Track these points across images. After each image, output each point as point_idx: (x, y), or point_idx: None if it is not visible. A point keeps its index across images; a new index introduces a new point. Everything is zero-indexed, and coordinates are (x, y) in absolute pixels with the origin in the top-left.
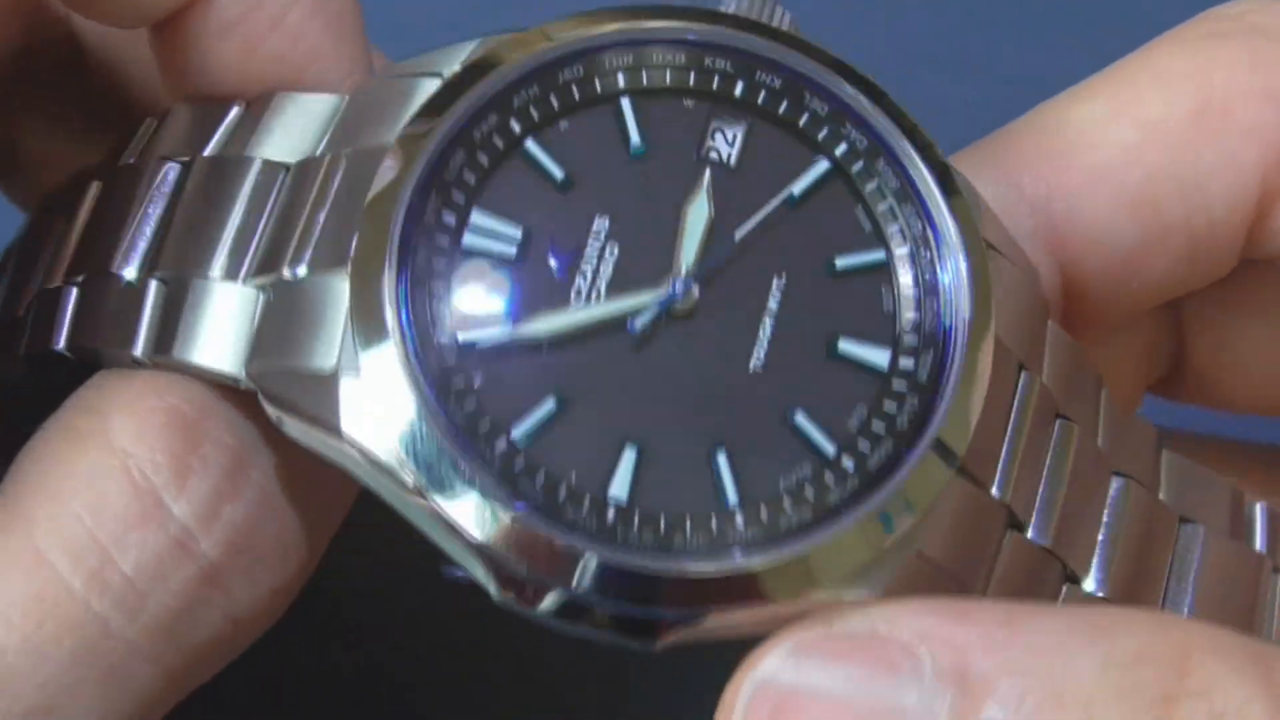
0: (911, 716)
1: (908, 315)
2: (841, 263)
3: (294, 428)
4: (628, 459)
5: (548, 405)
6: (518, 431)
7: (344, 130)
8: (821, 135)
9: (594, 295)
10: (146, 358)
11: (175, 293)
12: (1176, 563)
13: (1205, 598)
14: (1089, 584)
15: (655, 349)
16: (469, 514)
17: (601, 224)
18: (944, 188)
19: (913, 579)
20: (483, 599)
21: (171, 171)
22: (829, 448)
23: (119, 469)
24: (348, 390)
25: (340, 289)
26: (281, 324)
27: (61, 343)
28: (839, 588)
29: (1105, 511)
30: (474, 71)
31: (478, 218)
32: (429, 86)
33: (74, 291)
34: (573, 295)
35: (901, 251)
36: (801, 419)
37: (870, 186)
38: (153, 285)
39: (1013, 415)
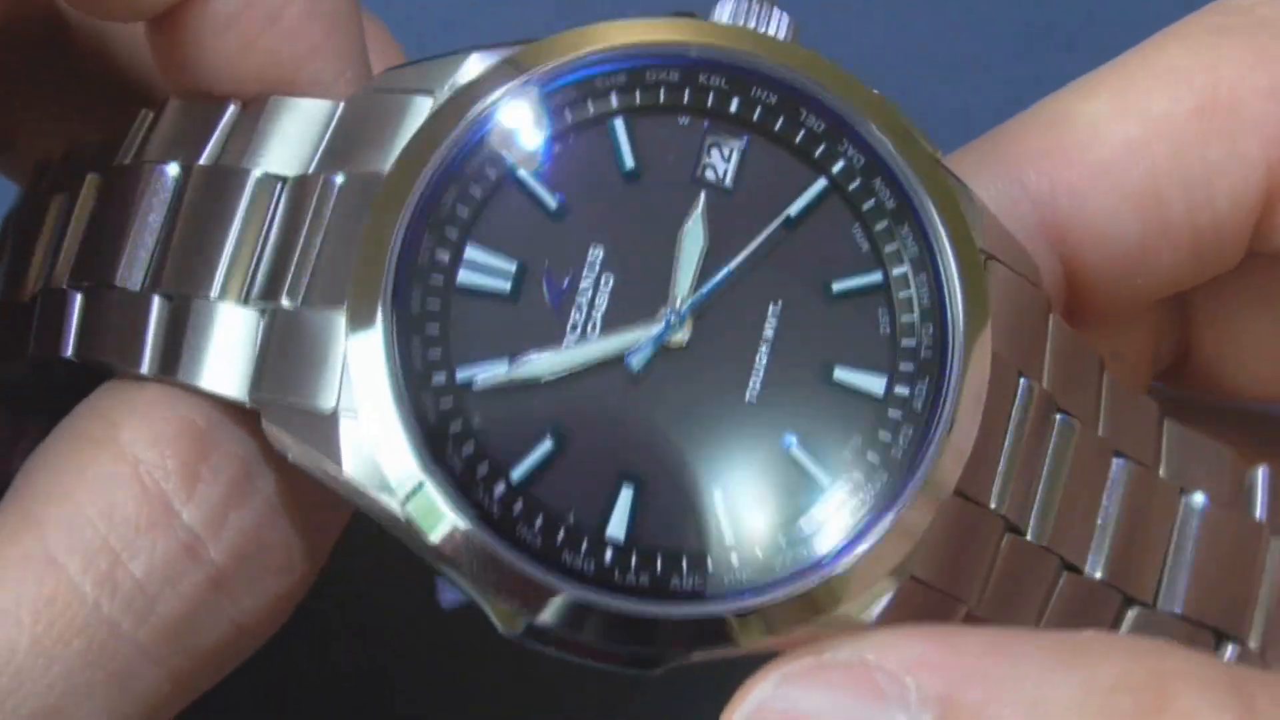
0: None
1: (904, 341)
2: (839, 286)
3: (297, 457)
4: (625, 498)
5: (545, 445)
6: (517, 473)
7: (338, 146)
8: (818, 153)
9: (590, 328)
10: (153, 376)
11: (178, 311)
12: (1176, 536)
13: (1203, 569)
14: (1088, 569)
15: (652, 384)
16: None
17: (596, 254)
18: (941, 204)
19: (907, 602)
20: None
21: (168, 177)
22: (824, 479)
23: (131, 475)
24: (348, 432)
25: (337, 327)
26: (282, 355)
27: (69, 351)
28: (831, 618)
29: (1104, 495)
30: (464, 97)
31: (472, 253)
32: (420, 105)
33: (79, 298)
34: (569, 330)
35: (899, 272)
36: (797, 450)
37: (868, 205)
38: (156, 301)
39: (1011, 425)
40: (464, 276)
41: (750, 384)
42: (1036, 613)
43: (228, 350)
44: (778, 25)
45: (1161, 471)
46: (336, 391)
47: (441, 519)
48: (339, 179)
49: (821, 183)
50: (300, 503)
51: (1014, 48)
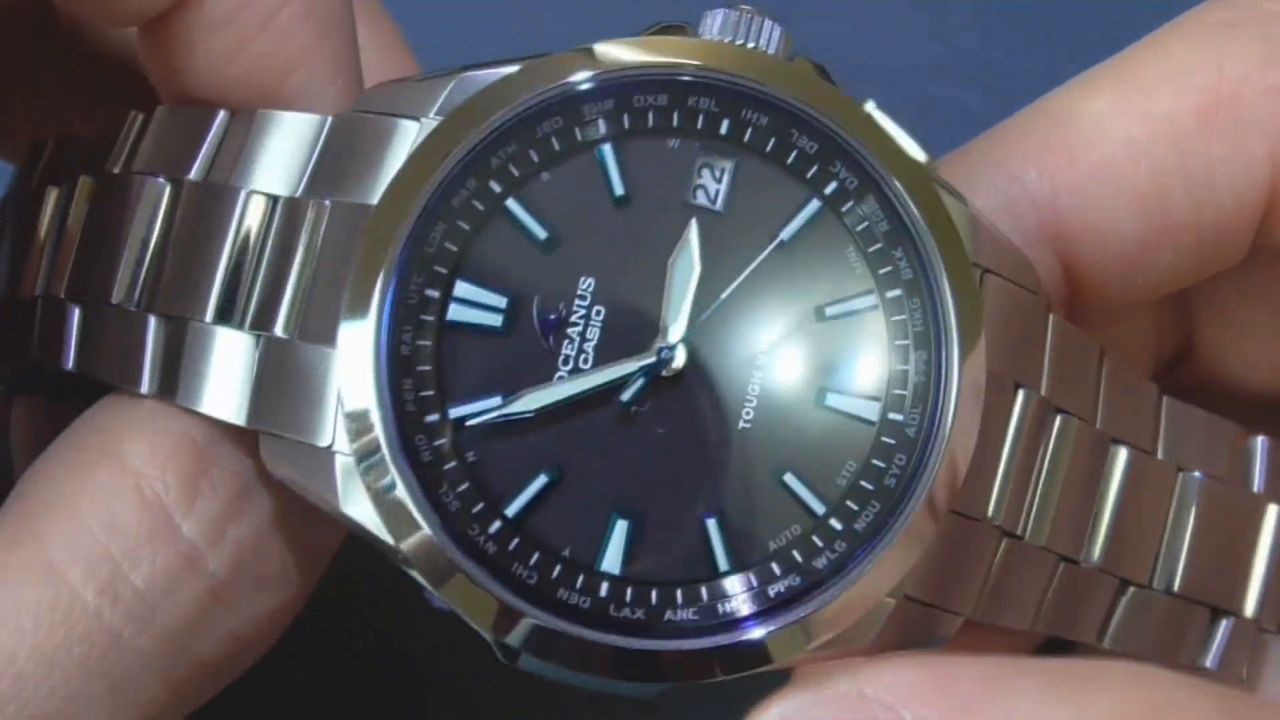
0: None
1: (898, 367)
2: (832, 311)
3: (294, 485)
4: (620, 531)
5: (540, 480)
6: (511, 509)
7: (325, 169)
8: (811, 174)
9: (583, 361)
10: (152, 397)
11: (174, 333)
12: (1172, 515)
13: (1198, 546)
14: (1084, 557)
15: (645, 417)
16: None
17: (587, 285)
18: (935, 225)
19: (903, 621)
20: None
21: (158, 189)
22: (819, 507)
23: (132, 488)
24: (342, 469)
25: (330, 363)
26: (277, 387)
27: (70, 364)
28: (828, 641)
29: (1100, 484)
30: (451, 130)
31: (462, 289)
32: (407, 130)
33: (77, 312)
34: (561, 364)
35: (892, 295)
36: (791, 478)
37: (860, 227)
38: (152, 321)
39: (1008, 438)
40: (454, 313)
41: (743, 412)
42: (1034, 610)
43: (225, 376)
44: (769, 38)
45: (1159, 452)
46: (331, 429)
47: (438, 558)
48: (328, 205)
49: (815, 204)
50: (297, 518)
51: (1015, 41)
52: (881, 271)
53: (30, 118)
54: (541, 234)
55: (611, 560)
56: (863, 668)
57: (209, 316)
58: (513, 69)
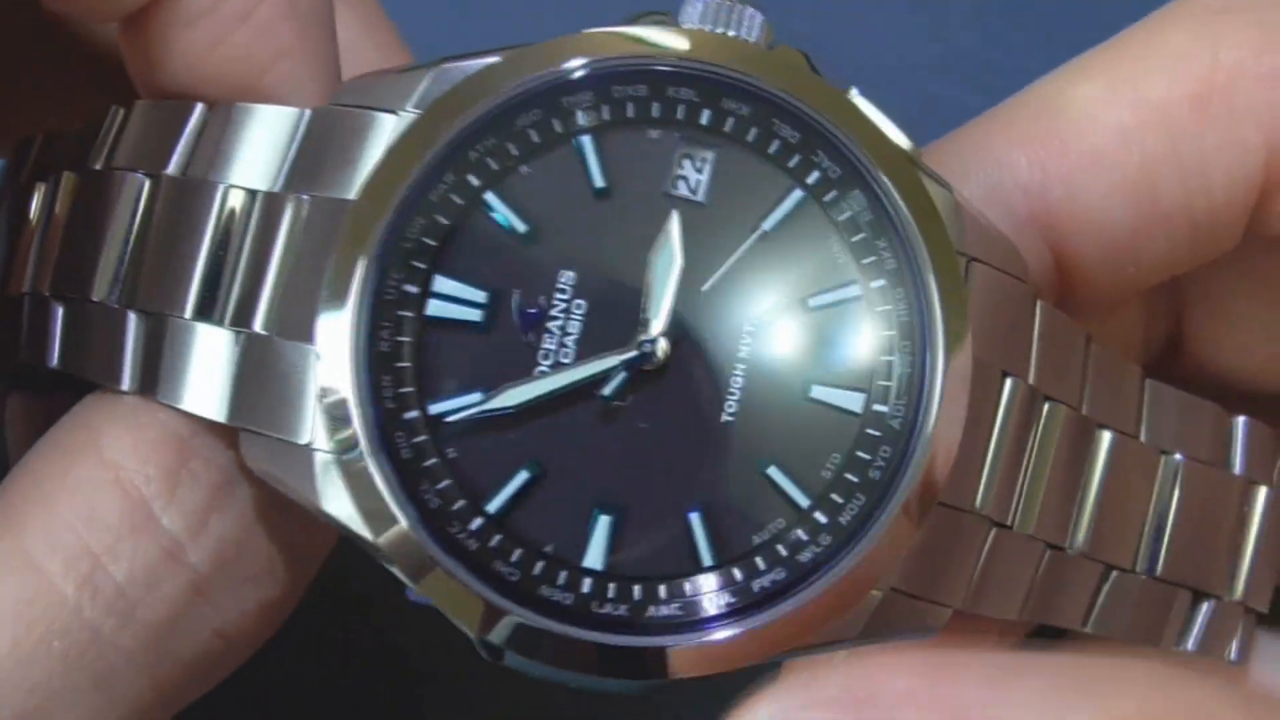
0: None
1: (883, 357)
2: (815, 302)
3: (274, 482)
4: (602, 526)
5: (521, 476)
6: (493, 505)
7: (303, 163)
8: (793, 163)
9: (564, 355)
10: (133, 394)
11: (155, 329)
12: (1155, 499)
13: (1180, 529)
14: (1069, 544)
15: (627, 411)
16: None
17: (568, 278)
18: (919, 214)
19: (890, 615)
20: None
21: (138, 184)
22: (803, 500)
23: (111, 481)
24: (321, 467)
25: (309, 360)
26: (257, 385)
27: (55, 362)
28: (816, 635)
29: (1084, 471)
30: (429, 123)
31: (441, 284)
32: (384, 124)
33: (60, 310)
34: (542, 358)
35: (876, 285)
36: (775, 471)
37: (844, 217)
38: (132, 318)
39: (996, 427)
40: (434, 308)
41: (727, 405)
42: (1022, 599)
43: (205, 372)
44: (749, 26)
45: (1143, 435)
46: (310, 426)
47: (416, 554)
48: (307, 199)
49: (797, 194)
50: (283, 513)
51: (1015, 41)
52: (865, 261)
53: (28, 116)
54: (521, 227)
55: (594, 556)
56: (855, 667)
57: (188, 313)
58: (491, 60)
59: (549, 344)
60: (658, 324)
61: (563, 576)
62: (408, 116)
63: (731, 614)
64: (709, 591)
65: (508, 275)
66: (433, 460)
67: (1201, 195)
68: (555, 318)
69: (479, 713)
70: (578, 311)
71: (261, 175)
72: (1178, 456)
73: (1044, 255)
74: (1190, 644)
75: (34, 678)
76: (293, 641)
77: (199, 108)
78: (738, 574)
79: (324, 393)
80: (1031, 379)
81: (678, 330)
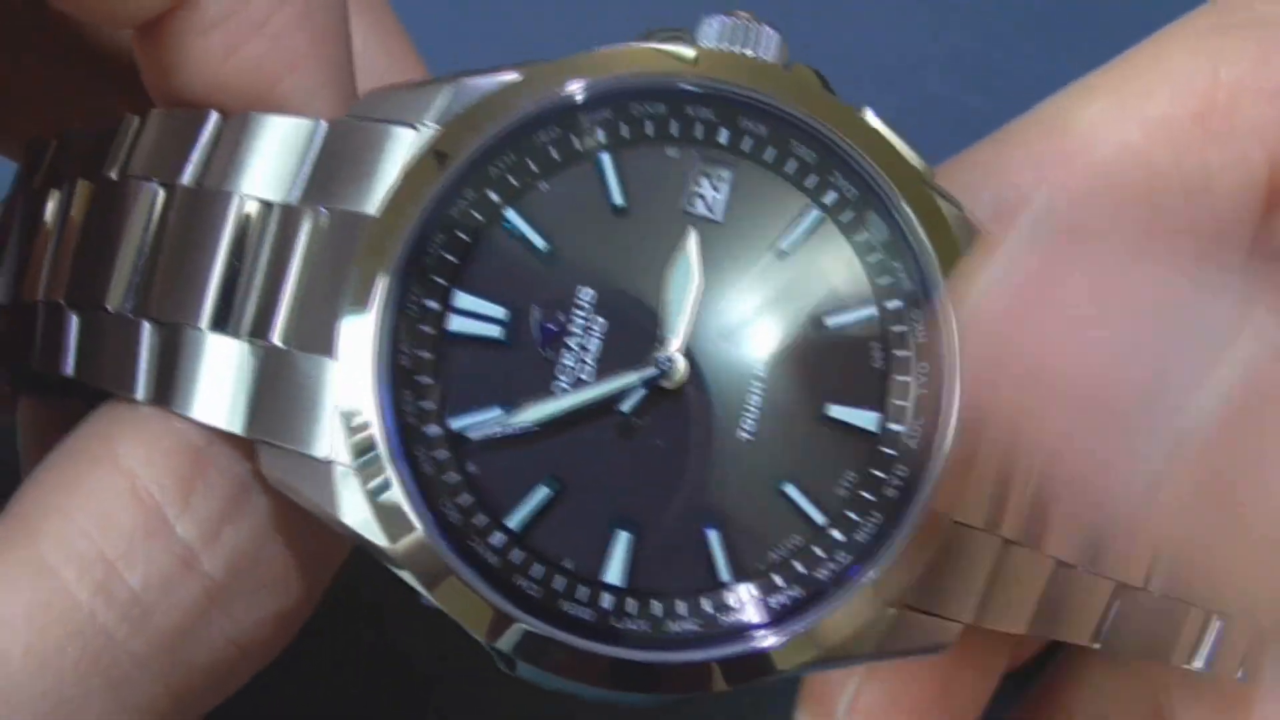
0: None
1: (898, 377)
2: (832, 321)
3: (292, 494)
4: (621, 543)
5: (541, 493)
6: (513, 521)
7: (321, 176)
8: (810, 183)
9: (583, 372)
10: (148, 403)
11: (169, 339)
12: None
13: None
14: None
15: (645, 428)
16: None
17: (587, 295)
18: (935, 235)
19: (903, 632)
20: None
21: (152, 194)
22: (819, 518)
23: (126, 489)
24: (341, 480)
25: (327, 374)
26: (274, 397)
27: (70, 370)
28: (830, 651)
29: None
30: (450, 140)
31: (461, 300)
32: (402, 137)
33: (75, 319)
34: (562, 375)
35: (892, 306)
36: (791, 489)
37: (860, 238)
38: (146, 328)
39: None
40: (454, 324)
41: (743, 423)
42: (1031, 615)
43: (221, 384)
44: (766, 45)
45: None
46: (328, 439)
47: (432, 562)
48: (324, 212)
49: (814, 214)
50: (297, 522)
51: (1015, 41)
52: (881, 282)
53: (32, 117)
54: (540, 244)
55: (614, 572)
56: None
57: (204, 323)
58: (511, 76)
59: (568, 360)
60: (676, 342)
61: (583, 592)
62: (426, 131)
63: (749, 630)
64: (726, 607)
65: (527, 291)
66: (453, 475)
67: (1207, 212)
68: (574, 334)
69: (488, 718)
70: (596, 329)
71: (277, 187)
72: None
73: None
74: (1201, 662)
75: (48, 682)
76: (299, 645)
77: (214, 117)
78: (754, 590)
79: (343, 406)
80: None
81: (695, 348)
